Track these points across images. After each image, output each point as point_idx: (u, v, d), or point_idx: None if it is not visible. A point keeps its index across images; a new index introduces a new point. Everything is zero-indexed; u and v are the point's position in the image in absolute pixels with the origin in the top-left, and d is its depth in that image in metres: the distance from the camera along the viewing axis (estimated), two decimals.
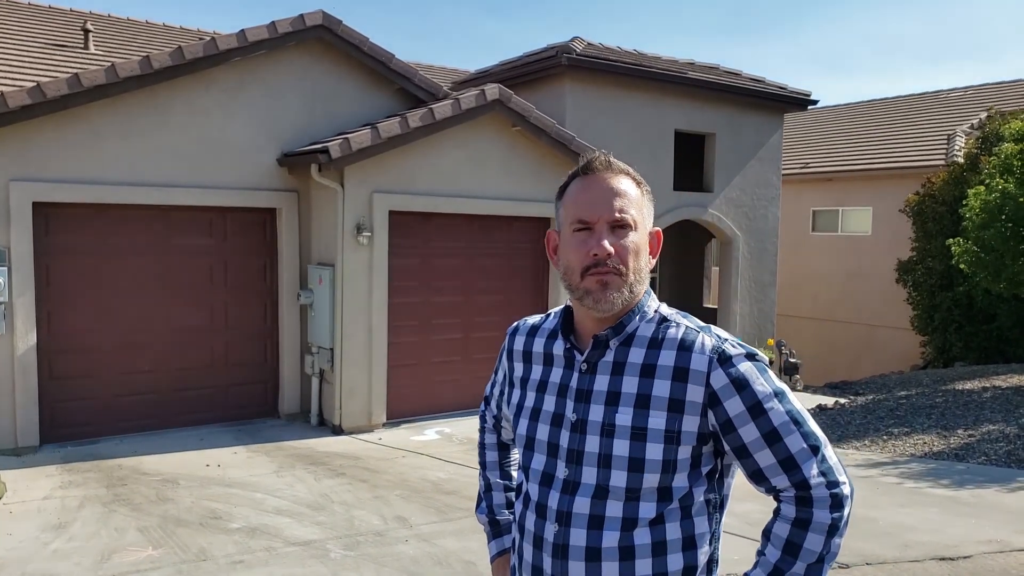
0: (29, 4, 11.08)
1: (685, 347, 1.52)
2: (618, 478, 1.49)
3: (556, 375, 1.63)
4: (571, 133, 9.49)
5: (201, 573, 4.49)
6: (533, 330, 1.74)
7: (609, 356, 1.56)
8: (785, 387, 1.53)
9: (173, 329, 8.08)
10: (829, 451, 1.49)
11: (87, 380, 7.65)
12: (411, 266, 8.67)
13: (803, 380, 13.90)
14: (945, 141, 15.89)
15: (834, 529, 1.45)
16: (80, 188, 7.36)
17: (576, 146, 9.10)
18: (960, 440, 7.89)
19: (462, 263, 9.07)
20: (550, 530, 1.54)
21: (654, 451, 1.48)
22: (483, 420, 2.01)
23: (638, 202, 1.58)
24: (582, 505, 1.51)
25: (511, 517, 1.88)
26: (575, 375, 1.59)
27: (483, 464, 2.01)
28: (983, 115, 15.47)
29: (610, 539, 1.49)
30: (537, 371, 1.68)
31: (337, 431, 8.26)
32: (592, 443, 1.52)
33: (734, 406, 1.47)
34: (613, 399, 1.53)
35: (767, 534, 1.51)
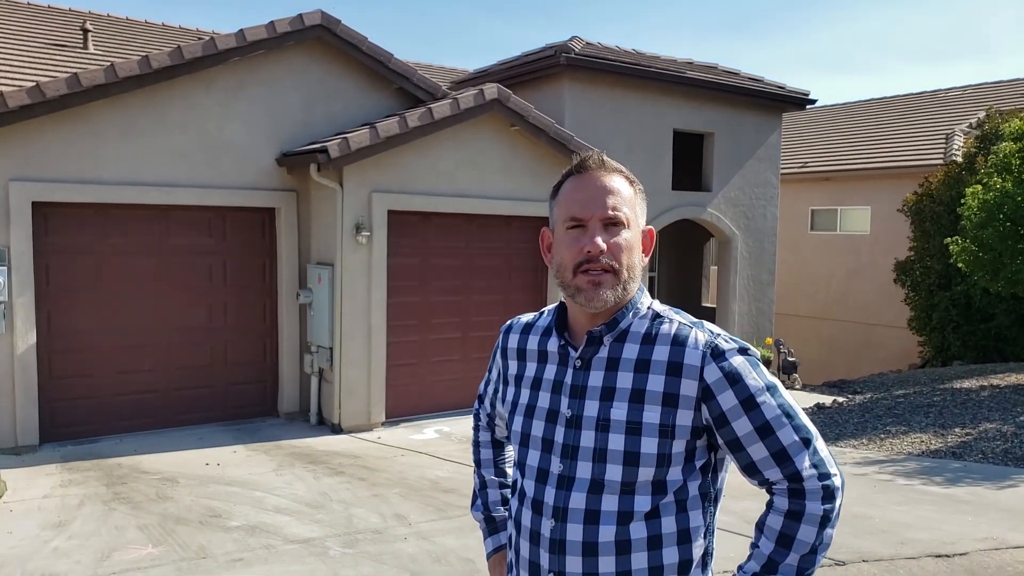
0: (28, 4, 11.09)
1: (678, 342, 1.54)
2: (613, 472, 1.51)
3: (550, 372, 1.65)
4: (570, 133, 9.51)
5: (200, 571, 4.51)
6: (527, 328, 1.76)
7: (603, 352, 1.58)
8: (777, 381, 1.55)
9: (173, 328, 8.09)
10: (820, 444, 1.52)
11: (87, 379, 7.66)
12: (410, 265, 8.68)
13: (801, 379, 13.92)
14: (943, 140, 15.91)
15: (826, 520, 1.48)
16: (79, 188, 7.38)
17: (574, 145, 9.12)
18: (957, 438, 7.92)
19: (461, 262, 9.09)
20: (546, 525, 1.56)
21: (649, 445, 1.50)
22: (477, 418, 2.02)
23: (631, 200, 1.60)
24: (578, 500, 1.53)
25: (506, 514, 1.89)
26: (569, 371, 1.61)
27: (477, 462, 2.02)
28: (981, 114, 15.50)
29: (606, 533, 1.50)
30: (531, 368, 1.70)
31: (336, 430, 8.28)
32: (587, 438, 1.54)
33: (727, 400, 1.49)
34: (608, 394, 1.54)
35: (760, 527, 1.53)
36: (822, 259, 17.46)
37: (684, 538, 1.53)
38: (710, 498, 1.58)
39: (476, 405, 2.02)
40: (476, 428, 2.03)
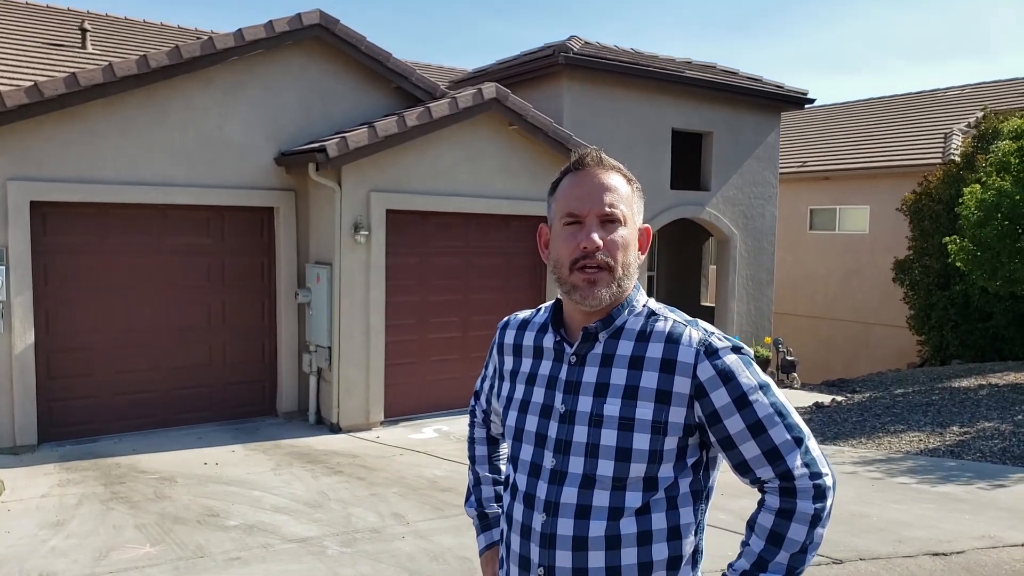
0: (27, 3, 11.09)
1: (672, 340, 1.54)
2: (605, 467, 1.51)
3: (545, 368, 1.66)
4: (568, 132, 9.51)
5: (198, 570, 4.51)
6: (523, 324, 1.77)
7: (598, 349, 1.59)
8: (770, 380, 1.55)
9: (171, 328, 8.09)
10: (812, 443, 1.52)
11: (85, 379, 7.66)
12: (409, 265, 8.69)
13: (800, 378, 13.94)
14: (942, 140, 15.92)
15: (817, 519, 1.48)
16: (78, 187, 7.38)
17: (573, 145, 9.11)
18: (955, 437, 7.93)
19: (459, 262, 9.09)
20: (538, 520, 1.56)
21: (641, 441, 1.51)
22: (473, 415, 2.03)
23: (628, 198, 1.61)
24: (569, 495, 1.53)
25: (500, 511, 1.90)
26: (564, 367, 1.62)
27: (472, 458, 2.03)
28: (980, 114, 15.51)
29: (597, 528, 1.51)
30: (527, 364, 1.70)
31: (335, 429, 8.28)
32: (580, 433, 1.55)
33: (720, 398, 1.50)
34: (601, 390, 1.55)
35: (751, 525, 1.53)
36: (821, 258, 17.47)
37: (674, 535, 1.53)
38: (701, 496, 1.59)
39: (472, 401, 2.03)
40: (472, 424, 2.04)
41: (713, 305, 13.96)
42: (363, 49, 8.68)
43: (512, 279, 9.51)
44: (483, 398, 1.96)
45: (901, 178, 15.54)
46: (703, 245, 15.90)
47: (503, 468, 1.98)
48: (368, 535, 5.14)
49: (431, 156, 8.62)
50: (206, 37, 7.98)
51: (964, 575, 4.34)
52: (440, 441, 8.01)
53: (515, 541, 1.62)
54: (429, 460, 7.23)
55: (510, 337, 1.78)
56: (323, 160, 7.72)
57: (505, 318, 1.85)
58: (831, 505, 1.50)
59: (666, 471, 1.53)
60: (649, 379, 1.52)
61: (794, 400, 10.89)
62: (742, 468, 1.53)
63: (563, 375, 1.61)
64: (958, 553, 4.63)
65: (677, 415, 1.51)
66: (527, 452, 1.63)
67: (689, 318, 1.61)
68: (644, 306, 1.62)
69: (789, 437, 1.49)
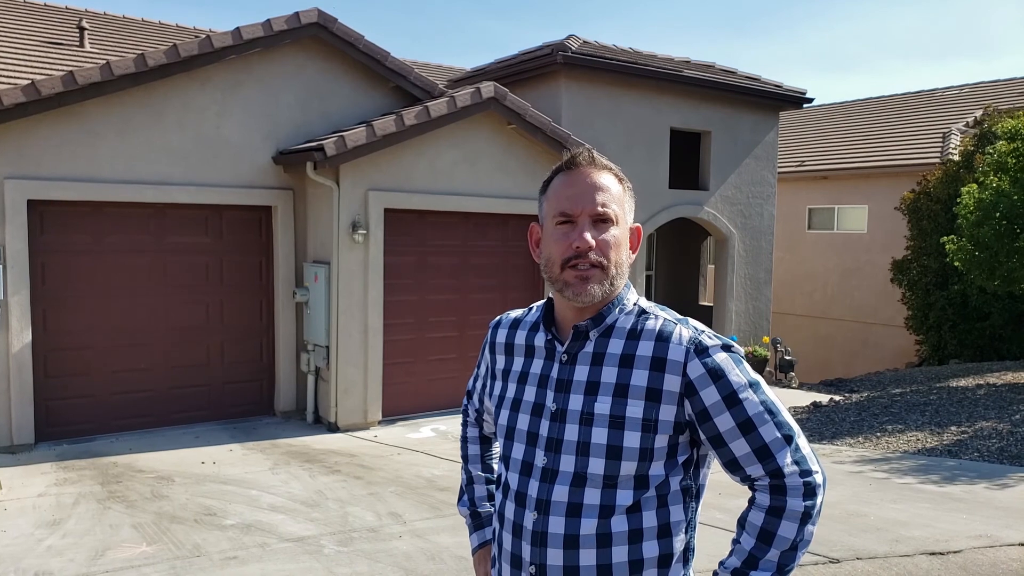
0: (25, 2, 11.08)
1: (663, 338, 1.55)
2: (596, 466, 1.52)
3: (537, 366, 1.66)
4: (566, 131, 9.51)
5: (195, 569, 4.51)
6: (515, 323, 1.78)
7: (589, 347, 1.59)
8: (759, 378, 1.55)
9: (169, 327, 8.09)
10: (802, 441, 1.52)
11: (82, 378, 7.66)
12: (406, 264, 8.68)
13: (798, 378, 13.94)
14: (940, 139, 15.93)
15: (807, 517, 1.48)
16: (75, 186, 7.37)
17: (571, 144, 9.10)
18: (953, 437, 7.93)
19: (457, 261, 9.09)
20: (529, 518, 1.56)
21: (631, 439, 1.51)
22: (466, 414, 2.04)
23: (620, 198, 1.61)
24: (560, 493, 1.54)
25: (492, 510, 1.91)
26: (556, 366, 1.62)
27: (465, 457, 2.04)
28: (979, 113, 15.52)
29: (587, 526, 1.51)
30: (519, 363, 1.71)
31: (333, 428, 8.28)
32: (571, 431, 1.55)
33: (710, 396, 1.50)
34: (592, 388, 1.55)
35: (742, 523, 1.54)
36: (819, 258, 17.48)
37: (665, 532, 1.54)
38: (692, 494, 1.59)
39: (465, 401, 2.04)
40: (464, 424, 2.05)
41: (711, 304, 13.96)
42: (361, 48, 8.67)
43: (510, 278, 9.51)
44: (475, 397, 1.96)
45: (899, 177, 15.55)
46: (701, 245, 15.90)
47: (495, 467, 1.98)
48: (365, 534, 5.14)
49: (429, 155, 8.61)
50: (204, 36, 7.97)
51: (961, 574, 4.34)
52: (438, 440, 8.01)
53: (507, 539, 1.62)
54: (427, 459, 7.23)
55: (502, 336, 1.78)
56: (321, 159, 7.71)
57: (497, 317, 1.85)
58: (821, 503, 1.50)
59: (657, 469, 1.53)
60: (639, 377, 1.53)
61: (792, 399, 10.90)
62: (732, 466, 1.53)
63: (554, 374, 1.61)
64: (955, 552, 4.63)
65: (667, 413, 1.52)
66: (519, 451, 1.63)
67: (680, 316, 1.61)
68: (635, 304, 1.63)
69: (779, 435, 1.50)
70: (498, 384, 1.75)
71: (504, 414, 1.69)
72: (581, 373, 1.58)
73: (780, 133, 14.33)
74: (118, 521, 5.31)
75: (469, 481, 2.01)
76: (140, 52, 7.82)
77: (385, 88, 9.12)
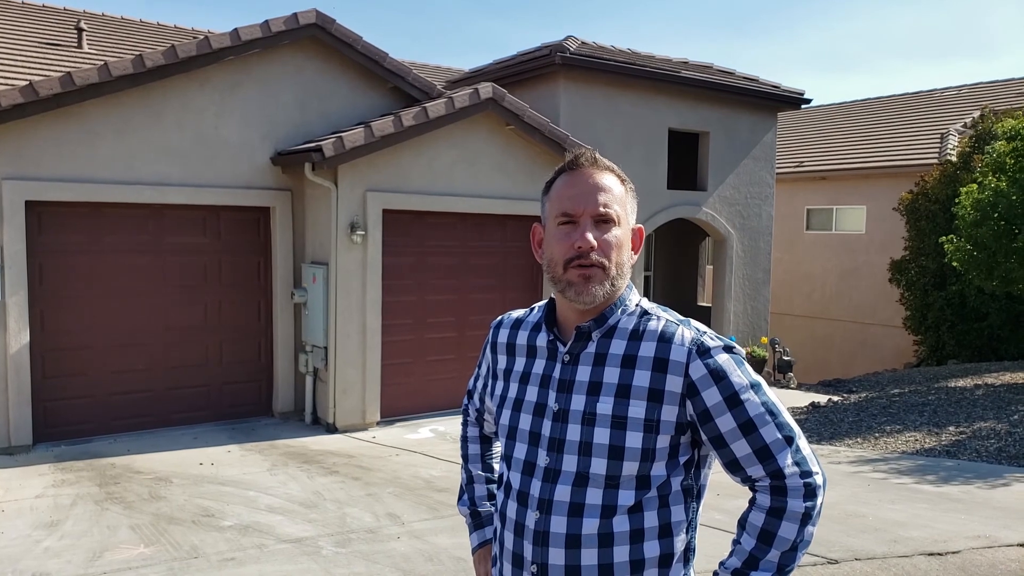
0: (23, 3, 11.07)
1: (665, 339, 1.55)
2: (598, 466, 1.52)
3: (539, 366, 1.67)
4: (565, 132, 9.51)
5: (193, 570, 4.50)
6: (517, 323, 1.78)
7: (591, 348, 1.60)
8: (761, 379, 1.56)
9: (167, 328, 8.08)
10: (803, 442, 1.53)
11: (80, 379, 7.64)
12: (405, 264, 8.68)
13: (797, 378, 13.95)
14: (938, 140, 15.95)
15: (807, 518, 1.49)
16: (73, 187, 7.36)
17: (570, 145, 9.11)
18: (951, 437, 7.93)
19: (456, 261, 9.09)
20: (531, 517, 1.57)
21: (633, 439, 1.51)
22: (466, 414, 2.04)
23: (622, 198, 1.62)
24: (562, 493, 1.54)
25: (492, 509, 1.91)
26: (558, 366, 1.63)
27: (465, 457, 2.04)
28: (976, 114, 15.53)
29: (589, 526, 1.51)
30: (520, 363, 1.71)
31: (331, 429, 8.27)
32: (573, 431, 1.55)
33: (711, 396, 1.51)
34: (594, 389, 1.56)
35: (742, 523, 1.54)
36: (817, 258, 17.49)
37: (666, 532, 1.54)
38: (693, 494, 1.60)
39: (465, 400, 2.04)
40: (465, 423, 2.05)
41: (710, 305, 13.97)
42: (359, 49, 8.67)
43: (508, 279, 9.51)
44: (476, 397, 1.97)
45: (898, 178, 15.56)
46: (700, 245, 15.91)
47: (496, 467, 1.99)
48: (363, 535, 5.13)
49: (428, 156, 8.61)
50: (202, 37, 7.97)
51: (959, 575, 4.34)
52: (436, 441, 8.00)
53: (509, 539, 1.62)
54: (425, 460, 7.23)
55: (503, 336, 1.79)
56: (319, 160, 7.71)
57: (498, 317, 1.86)
58: (821, 504, 1.51)
59: (658, 469, 1.53)
60: (641, 378, 1.53)
61: (790, 400, 10.90)
62: (733, 467, 1.54)
63: (556, 374, 1.62)
64: (953, 553, 4.63)
65: (669, 414, 1.52)
66: (521, 450, 1.63)
67: (681, 318, 1.62)
68: (637, 305, 1.64)
69: (780, 436, 1.50)
70: (500, 384, 1.76)
71: (506, 414, 1.69)
72: (583, 373, 1.59)
73: (778, 134, 14.34)
74: (116, 522, 5.30)
75: (469, 480, 2.01)
76: (138, 53, 7.82)
77: (383, 89, 9.11)
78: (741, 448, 1.51)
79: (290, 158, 8.23)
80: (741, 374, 1.52)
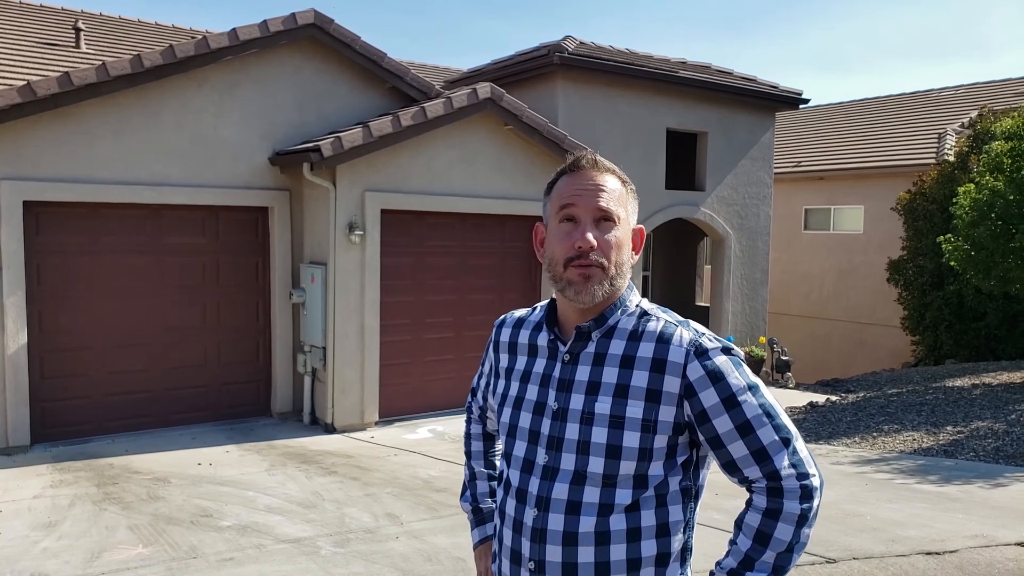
0: (20, 3, 11.06)
1: (664, 340, 1.56)
2: (596, 464, 1.53)
3: (540, 365, 1.68)
4: (563, 132, 9.52)
5: (191, 571, 4.50)
6: (519, 323, 1.80)
7: (591, 347, 1.61)
8: (759, 381, 1.57)
9: (165, 328, 8.07)
10: (800, 444, 1.54)
11: (78, 379, 7.64)
12: (404, 265, 8.68)
13: (795, 378, 13.96)
14: (936, 140, 15.97)
15: (803, 519, 1.50)
16: (71, 187, 7.36)
17: (568, 145, 9.12)
18: (949, 437, 7.95)
19: (455, 262, 9.09)
20: (529, 515, 1.58)
21: (631, 439, 1.52)
22: (470, 411, 2.07)
23: (622, 199, 1.64)
24: (560, 491, 1.56)
25: (494, 506, 1.92)
26: (558, 365, 1.64)
27: (468, 454, 2.06)
28: (974, 114, 15.55)
29: (586, 524, 1.53)
30: (522, 362, 1.73)
31: (329, 429, 8.27)
32: (572, 430, 1.57)
33: (709, 398, 1.51)
34: (593, 388, 1.57)
35: (739, 524, 1.55)
36: (815, 258, 17.51)
37: (663, 532, 1.55)
38: (690, 494, 1.60)
39: (469, 398, 2.07)
40: (468, 421, 2.08)
41: (708, 305, 13.98)
42: (357, 49, 8.67)
43: (507, 279, 9.51)
44: (479, 395, 2.00)
45: (895, 178, 15.57)
46: (698, 245, 15.92)
47: (498, 464, 2.01)
48: (362, 535, 5.13)
49: (426, 156, 8.61)
50: (200, 37, 7.96)
51: (957, 574, 4.35)
52: (435, 441, 8.00)
53: (507, 535, 1.64)
54: (424, 460, 7.23)
55: (505, 335, 1.81)
56: (318, 160, 7.71)
57: (501, 316, 1.89)
58: (818, 505, 1.52)
59: (656, 469, 1.54)
60: (640, 378, 1.54)
61: (789, 400, 10.92)
62: (730, 467, 1.55)
63: (556, 373, 1.64)
64: (951, 552, 4.64)
65: (667, 414, 1.53)
66: (520, 448, 1.65)
67: (681, 319, 1.63)
68: (637, 306, 1.65)
69: (777, 438, 1.51)
70: (501, 382, 1.78)
71: (507, 412, 1.71)
72: (582, 373, 1.60)
73: (776, 134, 14.36)
74: (114, 523, 5.30)
75: (472, 477, 2.04)
76: (136, 53, 7.81)
77: (382, 89, 9.11)
78: (738, 449, 1.52)
79: (288, 158, 8.23)
80: (739, 376, 1.53)
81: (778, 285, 16.87)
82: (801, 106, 13.87)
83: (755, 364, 12.67)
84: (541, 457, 1.60)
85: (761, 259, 13.48)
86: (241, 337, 8.58)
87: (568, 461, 1.56)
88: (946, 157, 14.39)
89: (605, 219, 1.59)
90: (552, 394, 1.62)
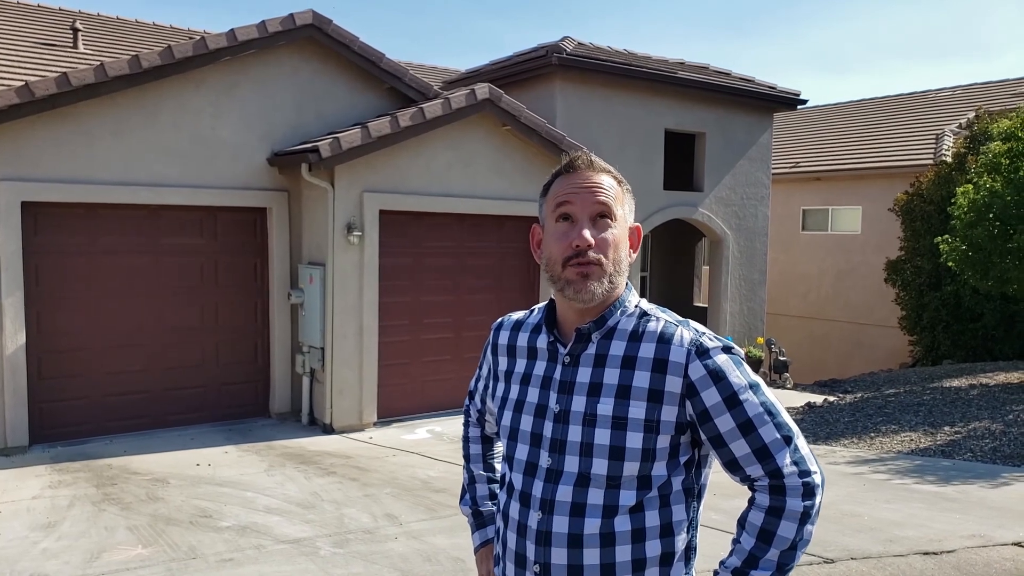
0: (18, 3, 11.04)
1: (664, 340, 1.56)
2: (599, 466, 1.53)
3: (540, 368, 1.68)
4: (561, 133, 9.53)
5: (190, 571, 4.50)
6: (517, 325, 1.79)
7: (591, 349, 1.61)
8: (760, 380, 1.57)
9: (164, 329, 8.07)
10: (801, 442, 1.54)
11: (77, 380, 7.63)
12: (402, 265, 8.68)
13: (793, 378, 13.98)
14: (934, 141, 15.99)
15: (806, 517, 1.50)
16: (70, 187, 7.35)
17: (566, 145, 9.13)
18: (947, 437, 7.96)
19: (453, 262, 9.09)
20: (533, 518, 1.58)
21: (634, 440, 1.53)
22: (467, 414, 2.06)
23: (618, 197, 1.64)
24: (564, 493, 1.55)
25: (494, 508, 1.93)
26: (558, 367, 1.64)
27: (467, 457, 2.05)
28: (972, 115, 15.58)
29: (591, 526, 1.53)
30: (521, 364, 1.72)
31: (328, 430, 8.27)
32: (574, 432, 1.57)
33: (710, 397, 1.52)
34: (595, 390, 1.57)
35: (742, 523, 1.56)
36: (813, 259, 17.53)
37: (667, 532, 1.55)
38: (693, 493, 1.61)
39: (466, 401, 2.05)
40: (466, 424, 2.07)
41: (706, 305, 13.99)
42: (356, 49, 8.67)
43: (505, 280, 9.52)
44: (477, 398, 1.98)
45: (893, 179, 15.60)
46: (696, 246, 15.94)
47: (497, 466, 2.01)
48: (361, 536, 5.13)
49: (424, 157, 8.61)
50: (198, 37, 7.96)
51: (955, 574, 4.36)
52: (433, 442, 8.01)
53: (511, 539, 1.64)
54: (422, 461, 7.23)
55: (504, 338, 1.80)
56: (316, 160, 7.71)
57: (499, 319, 1.87)
58: (820, 503, 1.52)
59: (659, 469, 1.54)
60: (641, 379, 1.54)
61: (786, 400, 10.93)
62: (732, 466, 1.55)
63: (557, 375, 1.63)
64: (949, 552, 4.65)
65: (669, 414, 1.53)
66: (523, 451, 1.65)
67: (681, 318, 1.63)
68: (636, 306, 1.65)
69: (778, 436, 1.52)
70: (500, 385, 1.77)
71: (507, 415, 1.71)
72: (583, 375, 1.60)
73: (774, 134, 14.37)
74: (113, 523, 5.30)
75: (471, 480, 2.03)
76: (134, 53, 7.81)
77: (380, 89, 9.12)
78: (740, 448, 1.52)
79: (287, 159, 8.23)
80: (740, 374, 1.54)
81: (776, 286, 16.89)
82: (799, 107, 13.90)
83: (753, 364, 12.68)
84: (544, 460, 1.60)
85: (759, 260, 13.49)
86: (239, 338, 8.57)
87: (571, 463, 1.56)
88: (944, 158, 14.41)
89: (602, 217, 1.59)
90: (553, 396, 1.62)
